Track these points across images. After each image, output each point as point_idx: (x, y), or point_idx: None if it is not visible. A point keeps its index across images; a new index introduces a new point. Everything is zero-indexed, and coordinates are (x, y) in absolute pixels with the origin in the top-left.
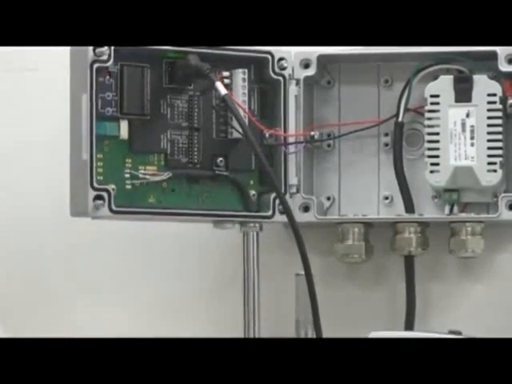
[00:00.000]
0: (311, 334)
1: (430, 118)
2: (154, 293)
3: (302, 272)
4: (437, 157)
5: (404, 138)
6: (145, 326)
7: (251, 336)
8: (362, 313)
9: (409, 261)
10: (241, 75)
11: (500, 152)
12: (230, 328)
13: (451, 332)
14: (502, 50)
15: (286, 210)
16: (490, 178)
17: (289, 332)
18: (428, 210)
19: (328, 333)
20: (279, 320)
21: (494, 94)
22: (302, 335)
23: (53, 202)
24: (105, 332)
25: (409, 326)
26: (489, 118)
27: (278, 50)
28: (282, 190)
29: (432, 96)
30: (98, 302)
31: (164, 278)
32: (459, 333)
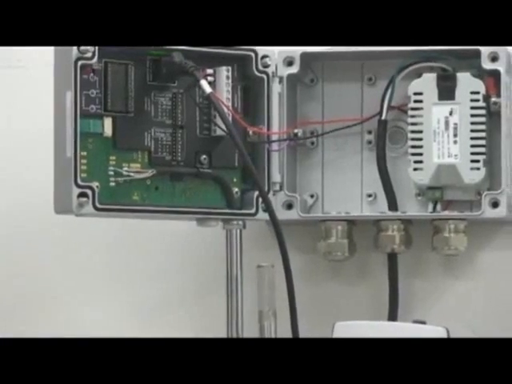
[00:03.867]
0: (274, 325)
1: (413, 116)
2: (137, 291)
3: (264, 264)
4: (420, 154)
5: (387, 135)
6: (128, 323)
7: (234, 333)
8: (344, 310)
9: (392, 258)
10: (224, 73)
11: (483, 150)
12: (213, 326)
13: (415, 321)
14: (485, 49)
15: (268, 208)
16: (473, 176)
17: None
18: (411, 208)
19: (311, 330)
20: None
21: (478, 92)
22: (266, 326)
23: (38, 200)
24: (87, 330)
25: None
26: (472, 115)
27: (262, 48)
28: (266, 188)
29: (415, 94)
30: (80, 300)
31: (147, 276)
32: (423, 322)
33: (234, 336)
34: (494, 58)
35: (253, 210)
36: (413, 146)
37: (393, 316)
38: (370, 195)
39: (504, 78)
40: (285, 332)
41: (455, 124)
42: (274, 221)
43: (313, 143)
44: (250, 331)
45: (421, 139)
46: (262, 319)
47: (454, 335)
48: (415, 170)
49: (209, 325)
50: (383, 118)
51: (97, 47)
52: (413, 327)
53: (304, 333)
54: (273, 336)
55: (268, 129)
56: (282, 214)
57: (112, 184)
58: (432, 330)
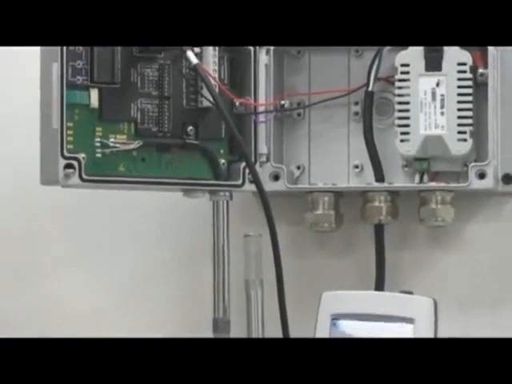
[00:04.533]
0: (261, 294)
1: (400, 88)
2: (123, 262)
3: (251, 233)
4: (407, 126)
5: (374, 107)
6: (115, 293)
7: (220, 302)
8: (331, 281)
9: (379, 230)
10: None
11: (470, 121)
12: (200, 296)
13: (402, 292)
14: None
15: (255, 179)
16: (460, 147)
17: None
18: (398, 179)
19: (297, 302)
20: None
21: (464, 64)
22: (252, 295)
23: (24, 171)
24: (73, 301)
25: None
26: (459, 87)
27: None
28: (252, 159)
29: (402, 65)
30: (67, 270)
31: (133, 248)
32: (410, 292)
33: (221, 306)
34: None
35: (239, 182)
36: (400, 118)
37: (379, 287)
38: (356, 166)
39: (491, 50)
40: (271, 302)
41: (442, 95)
42: (260, 192)
43: (299, 114)
44: (236, 301)
45: (408, 110)
46: (249, 288)
47: (440, 307)
48: (402, 141)
49: (196, 295)
50: (370, 89)
51: None
52: (400, 297)
53: (290, 302)
54: (259, 305)
55: (255, 100)
56: (269, 186)
57: (98, 155)
58: (419, 300)
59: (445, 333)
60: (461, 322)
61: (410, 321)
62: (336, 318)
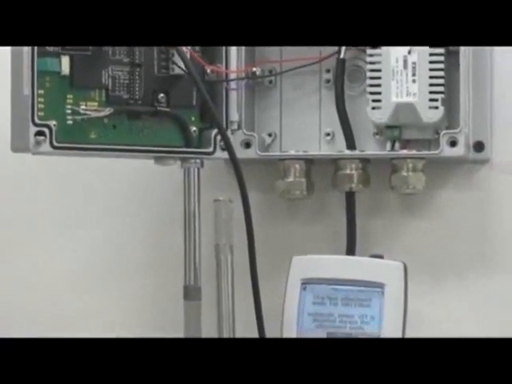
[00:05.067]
0: (231, 259)
1: (371, 55)
2: (94, 230)
3: (221, 198)
4: (378, 93)
5: (346, 74)
6: (86, 262)
7: (192, 266)
8: (302, 249)
9: (350, 197)
10: None
11: (442, 89)
12: (170, 265)
13: (372, 256)
14: None
15: (227, 146)
16: (432, 115)
17: None
18: (369, 147)
19: (268, 268)
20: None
21: None
22: (223, 260)
23: None
24: (46, 271)
25: None
26: (431, 54)
27: None
28: (224, 127)
29: None
30: (37, 241)
31: (103, 216)
32: (381, 256)
33: (192, 273)
34: None
35: (211, 149)
36: (371, 85)
37: (350, 254)
38: (328, 134)
39: None
40: (242, 268)
41: (414, 63)
42: (232, 159)
43: (271, 82)
44: (207, 268)
45: (379, 78)
46: (219, 253)
47: (411, 273)
48: (374, 108)
49: (166, 262)
50: (342, 56)
51: None
52: (370, 262)
53: (262, 269)
54: (229, 270)
55: (226, 67)
56: (240, 153)
57: (69, 122)
58: (389, 265)
59: (415, 300)
60: (431, 289)
61: (380, 285)
62: (306, 282)
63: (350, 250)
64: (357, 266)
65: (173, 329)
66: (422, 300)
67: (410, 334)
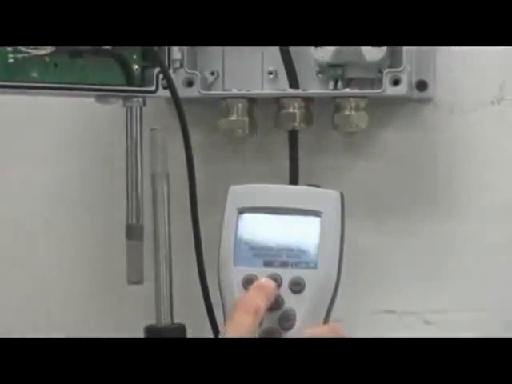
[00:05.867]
0: (167, 189)
1: None
2: (34, 169)
3: (157, 127)
4: None
5: None
6: (28, 202)
7: (134, 209)
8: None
9: (293, 136)
10: None
11: None
12: (113, 204)
13: (310, 185)
14: None
15: (169, 85)
16: (375, 53)
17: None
18: (312, 86)
19: (210, 205)
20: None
21: None
22: (159, 189)
23: None
24: None
25: None
26: None
27: None
28: (166, 65)
29: None
30: None
31: (45, 154)
32: (317, 186)
33: (134, 211)
34: None
35: (153, 88)
36: None
37: None
38: (271, 73)
39: None
40: (181, 195)
41: None
42: (174, 97)
43: None
44: (149, 207)
45: None
46: (155, 182)
47: (353, 212)
48: (316, 47)
49: (109, 201)
50: None
51: None
52: (307, 190)
53: (202, 203)
54: (165, 198)
55: None
56: (183, 92)
57: (10, 60)
58: (326, 193)
59: (356, 239)
60: (374, 229)
61: (317, 214)
62: (242, 211)
63: None
64: (293, 195)
65: (115, 269)
66: (365, 239)
67: (350, 269)
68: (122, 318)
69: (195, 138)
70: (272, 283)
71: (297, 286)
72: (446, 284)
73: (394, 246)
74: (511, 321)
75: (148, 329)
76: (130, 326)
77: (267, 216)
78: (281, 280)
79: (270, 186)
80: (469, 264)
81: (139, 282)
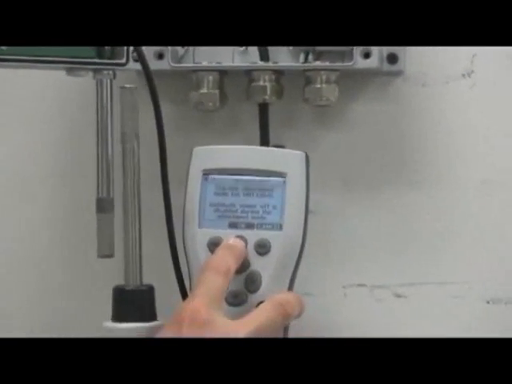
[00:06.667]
0: (137, 148)
1: None
2: (2, 143)
3: (127, 85)
4: None
5: None
6: None
7: (104, 181)
8: None
9: (263, 109)
10: None
11: None
12: (83, 177)
13: (274, 146)
14: None
15: (140, 57)
16: None
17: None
18: (283, 58)
19: (180, 176)
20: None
21: None
22: (128, 148)
23: None
24: None
25: None
26: None
27: None
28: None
29: None
30: None
31: (15, 127)
32: (282, 146)
33: (105, 184)
34: None
35: (123, 60)
36: None
37: None
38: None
39: None
40: (151, 158)
41: None
42: (145, 70)
43: None
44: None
45: None
46: (125, 141)
47: (323, 185)
48: None
49: (79, 174)
50: None
51: None
52: (271, 151)
53: (172, 168)
54: (135, 158)
55: None
56: (153, 64)
57: None
58: (290, 154)
59: (325, 212)
60: (343, 202)
61: (282, 174)
62: (207, 173)
63: None
64: (258, 156)
65: (84, 241)
66: (335, 212)
67: (319, 243)
68: (94, 290)
69: (166, 110)
70: (241, 243)
71: (262, 248)
72: (417, 257)
73: (364, 219)
74: (482, 294)
75: (116, 289)
76: (102, 295)
77: (232, 177)
78: (246, 242)
79: (234, 147)
80: (439, 236)
81: (110, 255)
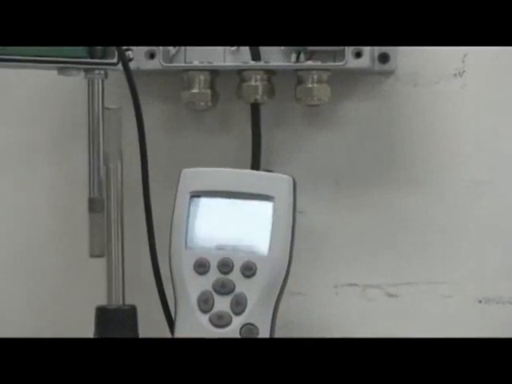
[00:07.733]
0: (120, 167)
1: None
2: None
3: (111, 106)
4: None
5: None
6: None
7: (95, 182)
8: (207, 160)
9: (255, 109)
10: None
11: None
12: (75, 178)
13: (264, 170)
14: None
15: (122, 58)
16: None
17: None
18: (274, 58)
19: (170, 180)
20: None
21: None
22: (112, 167)
23: None
24: None
25: None
26: None
27: None
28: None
29: None
30: None
31: (8, 124)
32: (270, 170)
33: (96, 184)
34: None
35: (115, 60)
36: None
37: (255, 166)
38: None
39: None
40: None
41: None
42: (126, 70)
43: None
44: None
45: None
46: (108, 161)
47: (316, 185)
48: None
49: (71, 175)
50: None
51: None
52: (259, 175)
53: (164, 169)
54: (119, 177)
55: None
56: (145, 64)
57: None
58: (278, 178)
59: (317, 212)
60: (334, 201)
61: (269, 198)
62: (195, 195)
63: (255, 162)
64: (245, 179)
65: (77, 241)
66: (326, 212)
67: (311, 243)
68: (85, 290)
69: (158, 110)
70: None
71: (248, 271)
72: (409, 257)
73: (356, 218)
74: (474, 293)
75: (99, 309)
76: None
77: (219, 200)
78: (232, 264)
79: (223, 169)
80: (431, 236)
81: (101, 255)
